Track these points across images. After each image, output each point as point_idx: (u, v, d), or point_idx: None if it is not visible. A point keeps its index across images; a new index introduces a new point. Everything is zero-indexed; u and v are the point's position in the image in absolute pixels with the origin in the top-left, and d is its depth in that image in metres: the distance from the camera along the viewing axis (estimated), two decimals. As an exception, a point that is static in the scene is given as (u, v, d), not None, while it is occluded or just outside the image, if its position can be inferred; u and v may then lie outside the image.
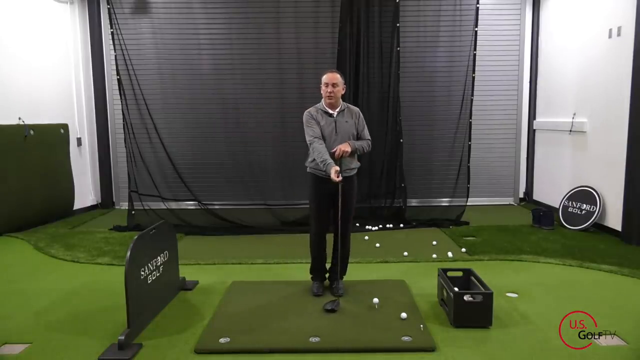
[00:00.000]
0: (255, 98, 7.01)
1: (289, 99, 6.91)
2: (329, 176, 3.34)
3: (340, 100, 3.66)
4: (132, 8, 6.84)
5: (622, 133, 5.10)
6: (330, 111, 3.62)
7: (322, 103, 3.65)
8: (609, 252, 4.74)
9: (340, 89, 3.59)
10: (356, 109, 3.75)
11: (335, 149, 3.49)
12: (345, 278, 3.86)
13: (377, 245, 5.16)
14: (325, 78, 3.57)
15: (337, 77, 3.56)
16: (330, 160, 3.40)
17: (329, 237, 3.79)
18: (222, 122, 7.10)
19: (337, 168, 3.38)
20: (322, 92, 3.61)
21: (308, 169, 3.68)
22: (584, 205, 5.70)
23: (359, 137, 3.71)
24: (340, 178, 3.34)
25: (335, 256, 3.74)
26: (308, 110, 3.65)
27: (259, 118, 7.04)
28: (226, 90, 7.03)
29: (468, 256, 4.74)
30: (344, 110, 3.66)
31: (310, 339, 2.98)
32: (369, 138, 3.76)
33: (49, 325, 3.26)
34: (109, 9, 6.55)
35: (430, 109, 7.01)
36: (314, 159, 3.52)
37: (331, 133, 3.58)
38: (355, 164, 3.71)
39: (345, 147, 3.49)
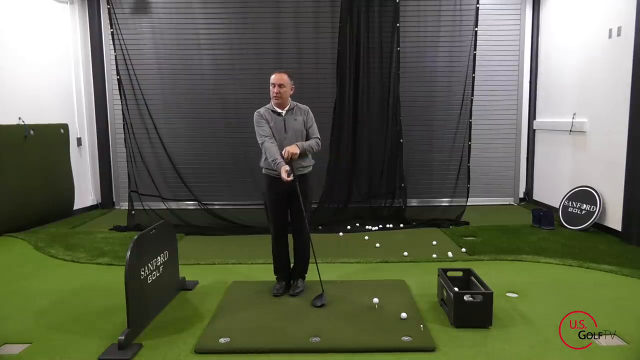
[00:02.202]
0: (255, 98, 6.97)
1: (289, 99, 6.90)
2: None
3: (289, 99, 3.71)
4: (132, 8, 6.84)
5: (622, 133, 5.10)
6: (279, 110, 3.66)
7: (272, 103, 3.70)
8: (609, 252, 4.73)
9: (288, 89, 3.64)
10: (305, 107, 3.79)
11: (284, 152, 3.50)
12: (345, 278, 3.86)
13: (377, 245, 5.16)
14: (272, 79, 3.62)
15: (284, 78, 3.61)
16: (280, 160, 3.45)
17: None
18: (222, 122, 7.10)
19: (288, 167, 3.41)
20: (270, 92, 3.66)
21: (263, 170, 3.70)
22: (584, 205, 5.70)
23: (308, 136, 3.73)
24: (291, 177, 3.38)
25: (295, 255, 3.81)
26: (258, 110, 3.70)
27: (259, 118, 7.04)
28: (226, 90, 7.02)
29: (468, 256, 4.74)
30: (292, 108, 3.71)
31: (311, 339, 2.98)
32: (318, 136, 3.78)
33: (49, 325, 3.26)
34: (109, 9, 6.56)
35: (430, 109, 7.01)
36: (267, 158, 3.56)
37: (280, 131, 3.63)
38: (309, 161, 3.74)
39: (293, 150, 3.49)
